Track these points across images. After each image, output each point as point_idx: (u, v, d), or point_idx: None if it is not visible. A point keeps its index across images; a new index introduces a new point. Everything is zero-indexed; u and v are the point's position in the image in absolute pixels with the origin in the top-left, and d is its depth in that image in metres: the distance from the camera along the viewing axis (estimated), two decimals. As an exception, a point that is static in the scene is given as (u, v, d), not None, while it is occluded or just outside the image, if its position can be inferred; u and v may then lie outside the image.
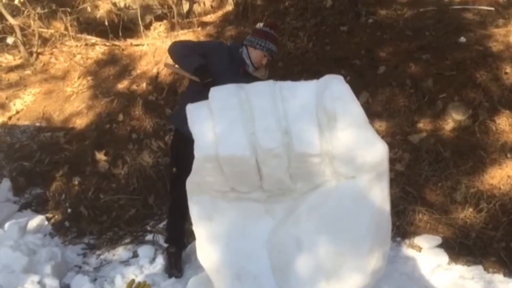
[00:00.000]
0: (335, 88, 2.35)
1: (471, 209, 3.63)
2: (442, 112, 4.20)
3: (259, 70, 3.27)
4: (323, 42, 5.22)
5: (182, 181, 2.57)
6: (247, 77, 3.14)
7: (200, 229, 2.54)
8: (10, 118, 5.87)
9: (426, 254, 3.42)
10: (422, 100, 4.33)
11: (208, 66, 3.04)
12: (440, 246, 3.45)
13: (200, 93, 2.70)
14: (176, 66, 3.32)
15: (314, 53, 5.11)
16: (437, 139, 4.05)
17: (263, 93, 2.46)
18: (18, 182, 4.80)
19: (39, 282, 3.24)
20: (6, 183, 4.76)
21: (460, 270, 3.26)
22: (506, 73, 4.30)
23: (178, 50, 3.22)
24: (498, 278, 3.20)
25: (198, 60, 3.06)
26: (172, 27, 6.32)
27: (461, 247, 3.45)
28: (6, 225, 3.82)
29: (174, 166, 3.43)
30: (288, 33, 5.34)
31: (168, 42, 5.87)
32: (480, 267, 3.27)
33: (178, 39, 5.93)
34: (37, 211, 4.47)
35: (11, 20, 6.47)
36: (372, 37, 5.12)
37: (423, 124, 4.20)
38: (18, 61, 6.81)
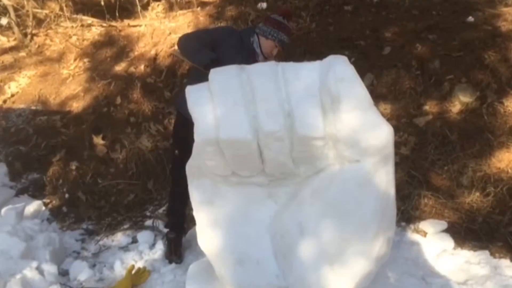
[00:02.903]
0: (339, 69, 2.30)
1: (477, 193, 3.60)
2: (449, 94, 4.13)
3: (269, 60, 3.19)
4: (326, 22, 5.14)
5: (183, 165, 2.53)
6: None
7: (201, 213, 2.51)
8: (5, 101, 5.82)
9: (432, 239, 3.41)
10: (429, 81, 4.26)
11: (218, 60, 2.94)
12: (446, 231, 3.44)
13: (206, 76, 2.62)
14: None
15: (317, 34, 5.03)
16: (444, 122, 4.00)
17: (265, 74, 2.41)
18: (15, 166, 4.77)
19: (37, 268, 3.24)
20: (2, 167, 4.75)
21: (466, 255, 3.25)
22: (515, 53, 4.23)
23: (188, 45, 3.13)
24: (505, 263, 3.18)
25: (208, 55, 2.96)
26: (170, 7, 6.22)
27: (467, 232, 3.42)
28: (3, 210, 3.83)
29: (176, 148, 3.38)
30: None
31: (167, 23, 5.80)
32: (487, 252, 3.25)
33: (176, 19, 5.86)
34: (34, 196, 4.46)
35: (4, 0, 6.35)
36: (377, 17, 5.03)
37: (429, 107, 4.14)
38: (12, 43, 6.72)
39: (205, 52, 3.00)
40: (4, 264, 3.16)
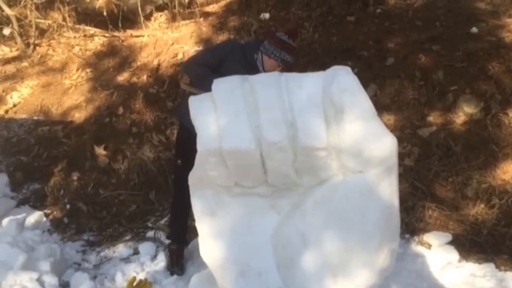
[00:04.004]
0: (343, 80, 2.31)
1: (482, 205, 3.57)
2: (452, 105, 4.12)
3: None
4: (329, 33, 5.13)
5: (186, 175, 2.50)
6: None
7: (203, 224, 2.50)
8: (7, 111, 5.80)
9: (436, 252, 3.37)
10: (432, 92, 4.25)
11: None
12: (451, 243, 3.40)
13: None
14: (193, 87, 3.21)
15: (320, 44, 5.02)
16: (448, 133, 3.98)
17: (268, 84, 2.41)
18: (16, 177, 4.74)
19: (38, 279, 3.20)
20: (4, 178, 4.70)
21: (471, 267, 3.22)
22: (519, 64, 4.22)
23: (193, 72, 3.15)
24: (511, 276, 3.14)
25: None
26: (173, 18, 6.23)
27: (472, 244, 3.39)
28: (4, 221, 3.79)
29: (178, 159, 3.35)
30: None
31: (169, 33, 5.82)
32: (492, 265, 3.21)
33: (179, 30, 5.87)
34: (35, 207, 4.42)
35: (7, 10, 6.35)
36: (381, 28, 5.03)
37: (433, 118, 4.12)
38: (15, 53, 6.72)
39: (211, 79, 2.96)
40: (4, 275, 3.13)
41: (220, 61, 3.11)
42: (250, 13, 5.65)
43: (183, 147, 3.28)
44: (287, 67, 3.19)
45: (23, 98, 5.94)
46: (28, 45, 6.62)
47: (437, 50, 4.53)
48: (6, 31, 6.54)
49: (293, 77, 2.42)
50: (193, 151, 2.40)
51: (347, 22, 5.24)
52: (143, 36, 6.06)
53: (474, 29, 4.63)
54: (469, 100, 4.05)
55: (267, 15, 5.46)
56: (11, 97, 5.94)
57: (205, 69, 3.07)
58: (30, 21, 6.54)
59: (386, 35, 4.90)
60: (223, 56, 3.15)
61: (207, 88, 2.92)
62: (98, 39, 6.41)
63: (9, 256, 3.25)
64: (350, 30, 5.11)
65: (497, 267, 3.19)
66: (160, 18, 6.45)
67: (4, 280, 3.10)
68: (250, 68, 3.12)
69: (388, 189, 2.25)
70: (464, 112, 4.04)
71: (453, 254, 3.30)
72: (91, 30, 6.48)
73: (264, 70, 3.13)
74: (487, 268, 3.16)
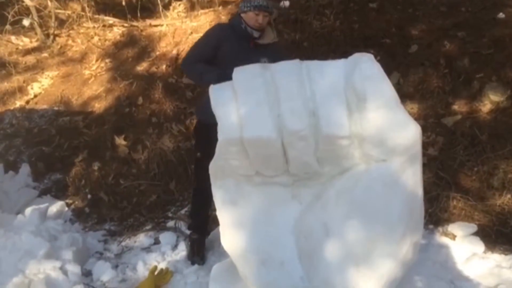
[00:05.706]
0: (365, 67, 2.29)
1: (509, 195, 3.48)
2: (478, 93, 4.03)
3: (266, 34, 3.12)
4: (350, 20, 5.08)
5: (207, 166, 2.49)
6: (260, 50, 3.03)
7: (224, 214, 2.49)
8: (28, 102, 5.89)
9: (461, 242, 3.31)
10: (457, 80, 4.17)
11: (225, 72, 2.79)
12: (476, 234, 3.33)
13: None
14: None
15: (341, 32, 4.97)
16: (473, 122, 3.90)
17: (289, 73, 2.41)
18: (38, 167, 4.81)
19: (61, 268, 3.23)
20: (26, 168, 4.78)
21: (497, 259, 3.15)
22: (547, 51, 4.11)
23: (193, 73, 3.13)
24: (537, 267, 3.05)
25: (212, 74, 2.88)
26: (192, 7, 6.23)
27: (498, 235, 3.32)
28: (27, 210, 3.86)
29: (198, 150, 3.34)
30: (314, 11, 5.21)
31: (188, 22, 5.81)
32: (518, 256, 3.13)
33: (198, 18, 5.85)
34: (57, 197, 4.48)
35: (27, 1, 6.43)
36: (403, 14, 4.96)
37: (458, 106, 4.04)
38: (35, 44, 6.81)
39: (208, 72, 2.93)
40: (28, 263, 3.17)
41: (214, 48, 3.06)
42: (270, 1, 5.58)
43: (202, 139, 3.26)
44: (268, 13, 3.09)
45: (44, 88, 6.01)
46: (48, 35, 6.70)
47: (462, 36, 4.44)
48: (26, 22, 6.63)
49: (315, 66, 2.40)
50: (212, 141, 2.39)
51: (369, 9, 5.17)
52: (161, 25, 6.08)
53: (501, 15, 4.52)
54: (496, 87, 3.96)
55: (287, 3, 5.42)
56: (31, 88, 6.02)
57: (202, 65, 3.02)
58: (50, 11, 6.61)
59: (409, 22, 4.83)
60: (216, 41, 3.09)
61: (207, 83, 2.86)
62: (117, 29, 6.44)
63: (32, 245, 3.30)
64: (372, 17, 5.04)
65: (524, 258, 3.12)
66: (179, 7, 6.44)
67: (28, 269, 3.14)
68: (244, 40, 3.07)
69: (412, 179, 2.23)
70: (490, 100, 3.95)
71: (478, 245, 3.23)
72: (110, 20, 6.52)
73: (252, 28, 3.06)
74: (513, 260, 3.10)
